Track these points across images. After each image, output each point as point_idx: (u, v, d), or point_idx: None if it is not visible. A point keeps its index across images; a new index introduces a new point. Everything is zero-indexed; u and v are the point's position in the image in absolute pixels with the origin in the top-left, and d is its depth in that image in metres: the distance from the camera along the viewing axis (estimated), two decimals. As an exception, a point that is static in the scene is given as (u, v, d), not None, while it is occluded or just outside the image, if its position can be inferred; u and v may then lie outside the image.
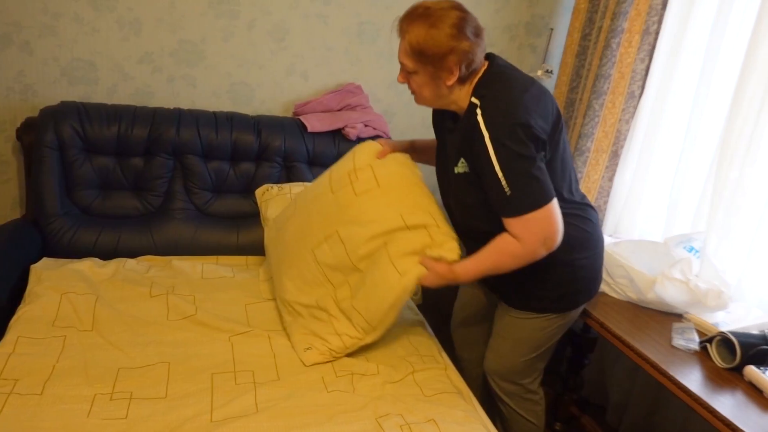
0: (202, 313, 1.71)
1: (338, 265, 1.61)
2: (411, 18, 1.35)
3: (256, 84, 2.40)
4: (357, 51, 2.48)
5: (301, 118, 2.34)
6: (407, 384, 1.55)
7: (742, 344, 1.46)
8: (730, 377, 1.45)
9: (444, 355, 1.74)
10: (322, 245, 1.63)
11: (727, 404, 1.34)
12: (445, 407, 1.47)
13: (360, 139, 2.36)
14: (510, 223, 1.35)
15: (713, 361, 1.50)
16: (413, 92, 1.45)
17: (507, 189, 1.31)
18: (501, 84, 1.38)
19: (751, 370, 1.42)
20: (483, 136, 1.31)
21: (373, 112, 2.47)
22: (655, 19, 2.16)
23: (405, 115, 2.64)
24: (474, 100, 1.37)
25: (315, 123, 2.32)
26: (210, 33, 2.27)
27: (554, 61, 2.72)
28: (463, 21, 1.34)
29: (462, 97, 1.41)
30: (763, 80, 1.74)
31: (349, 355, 1.63)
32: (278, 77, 2.42)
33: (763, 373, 1.41)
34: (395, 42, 2.45)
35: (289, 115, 2.45)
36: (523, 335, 1.61)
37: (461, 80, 1.38)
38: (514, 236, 1.36)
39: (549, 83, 2.75)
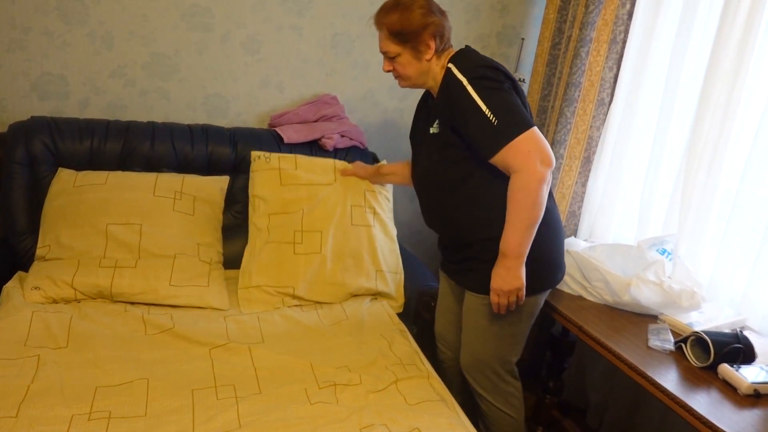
0: (180, 327, 1.68)
1: None
2: (384, 11, 1.58)
3: (231, 96, 2.39)
4: (332, 62, 2.49)
5: (278, 129, 2.34)
6: (390, 393, 1.55)
7: (715, 343, 1.50)
8: (705, 376, 1.49)
9: (426, 362, 1.75)
10: None
11: (702, 402, 1.37)
12: (429, 416, 1.48)
13: (337, 150, 2.37)
14: (503, 155, 1.43)
15: (689, 361, 1.54)
16: (398, 76, 1.62)
17: (493, 119, 1.41)
18: (470, 53, 1.59)
19: (725, 368, 1.46)
20: (460, 83, 1.47)
21: (349, 122, 2.48)
22: (622, 28, 2.22)
23: (379, 125, 2.66)
24: (451, 65, 1.53)
25: (291, 134, 2.32)
26: (183, 46, 2.26)
27: (526, 70, 2.77)
28: (429, 2, 1.57)
29: (438, 71, 1.58)
30: (727, 86, 1.80)
31: (332, 365, 1.63)
32: (253, 89, 2.41)
33: (737, 370, 1.44)
34: (370, 52, 2.51)
35: (265, 126, 2.44)
36: (484, 322, 1.63)
37: (437, 52, 1.57)
38: (511, 169, 1.43)
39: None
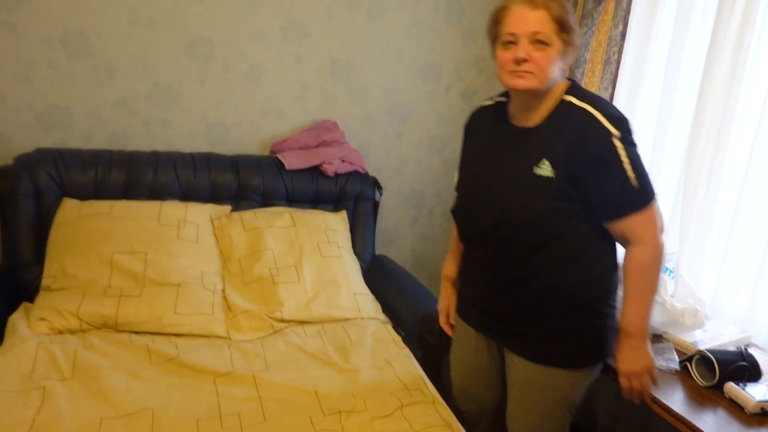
0: (185, 356, 1.69)
1: None
2: None
3: (232, 124, 2.42)
4: (331, 88, 2.52)
5: (279, 155, 2.36)
6: (396, 419, 1.54)
7: (720, 362, 1.49)
8: (711, 395, 1.48)
9: (431, 387, 1.74)
10: None
11: (710, 422, 1.36)
12: (436, 440, 1.47)
13: (338, 175, 2.40)
14: (631, 221, 1.30)
15: (694, 380, 1.53)
16: (529, 71, 1.28)
17: (634, 181, 1.28)
18: (595, 95, 1.38)
19: (731, 387, 1.46)
20: (609, 134, 1.27)
21: (350, 147, 2.51)
22: (615, 49, 2.25)
23: (380, 149, 2.68)
24: (575, 100, 1.33)
25: (292, 160, 2.35)
26: (185, 76, 2.30)
27: (523, 92, 2.80)
28: None
29: (556, 91, 1.36)
30: (721, 101, 1.83)
31: (337, 392, 1.63)
32: (255, 116, 2.44)
33: (743, 389, 1.44)
34: (368, 78, 2.55)
35: (267, 153, 2.47)
36: (555, 395, 1.47)
37: (561, 69, 1.37)
38: (636, 238, 1.31)
39: (519, 113, 2.82)
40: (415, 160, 2.76)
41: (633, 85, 2.23)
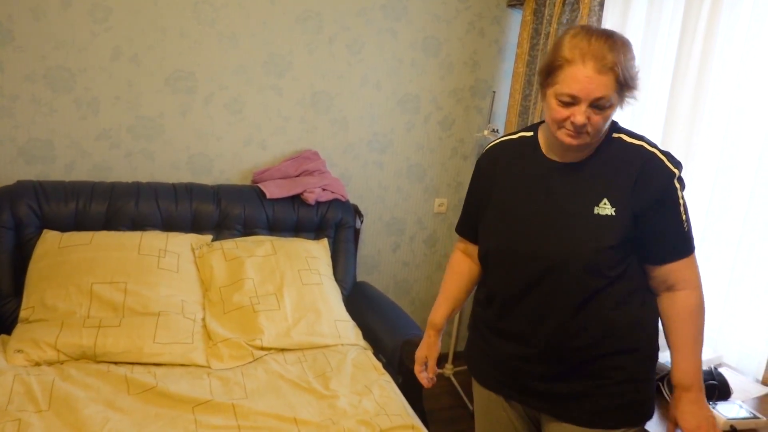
0: (163, 385, 1.68)
1: None
2: (608, 39, 1.16)
3: (215, 155, 2.46)
4: (312, 119, 2.58)
5: (260, 185, 2.40)
6: (375, 445, 1.55)
7: (691, 380, 1.52)
8: (683, 414, 1.50)
9: (411, 412, 1.75)
10: None
11: (681, 440, 1.38)
12: (413, 465, 1.48)
13: (319, 203, 2.43)
14: (680, 265, 1.24)
15: (666, 399, 1.56)
16: (585, 132, 1.18)
17: (686, 224, 1.24)
18: (636, 132, 1.30)
19: (702, 405, 1.48)
20: (671, 174, 1.22)
21: (331, 176, 2.55)
22: (586, 80, 2.34)
23: (361, 177, 2.73)
24: (626, 137, 1.26)
25: (274, 189, 2.38)
26: (167, 108, 2.34)
27: (500, 121, 2.88)
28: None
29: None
30: (687, 125, 1.91)
31: (316, 418, 1.63)
32: (236, 147, 2.49)
33: (713, 407, 1.47)
34: (348, 109, 2.61)
35: (248, 183, 2.51)
36: None
37: None
38: (684, 284, 1.24)
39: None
40: (395, 188, 2.81)
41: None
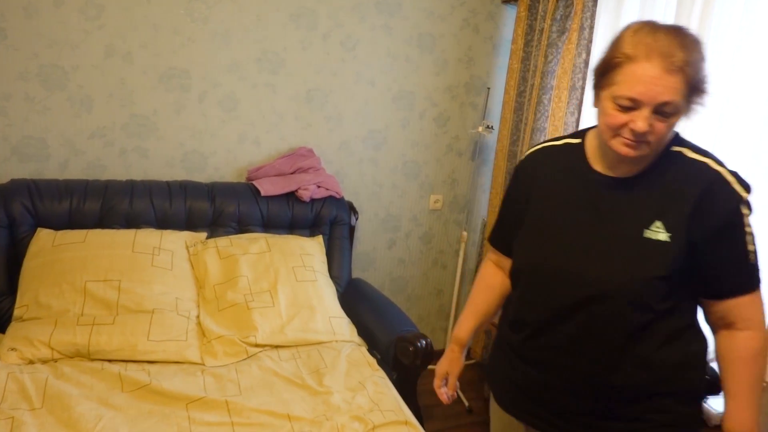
0: (157, 383, 1.68)
1: None
2: (678, 35, 1.01)
3: (209, 152, 2.46)
4: (307, 116, 2.58)
5: (255, 182, 2.40)
6: (368, 440, 1.56)
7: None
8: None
9: (405, 408, 1.75)
10: None
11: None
12: (406, 461, 1.48)
13: (313, 200, 2.43)
14: (744, 302, 1.10)
15: None
16: (645, 141, 1.03)
17: (752, 256, 1.09)
18: (701, 146, 1.14)
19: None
20: (739, 198, 1.06)
21: (326, 173, 2.55)
22: (580, 76, 2.34)
23: (356, 174, 2.73)
24: (689, 152, 1.10)
25: (268, 187, 2.38)
26: (161, 106, 2.34)
27: (495, 117, 2.88)
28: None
29: None
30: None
31: (310, 414, 1.63)
32: (231, 145, 2.49)
33: (705, 402, 1.47)
34: (343, 105, 2.61)
35: (243, 180, 2.51)
36: None
37: None
38: (748, 323, 1.10)
39: (491, 138, 2.90)
40: (390, 184, 2.81)
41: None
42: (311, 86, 2.55)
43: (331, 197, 2.50)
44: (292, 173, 2.50)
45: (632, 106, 1.00)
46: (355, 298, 2.34)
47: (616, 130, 1.04)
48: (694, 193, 1.06)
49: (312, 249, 2.30)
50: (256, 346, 1.94)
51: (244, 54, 2.41)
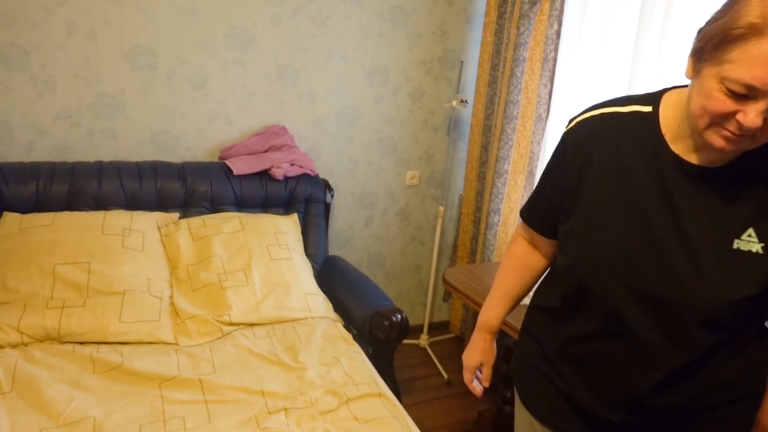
0: (129, 363, 1.67)
1: None
2: None
3: (179, 132, 2.42)
4: (279, 93, 2.54)
5: (227, 161, 2.37)
6: (341, 413, 1.56)
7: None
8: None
9: (380, 381, 1.77)
10: None
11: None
12: (381, 431, 1.49)
13: (287, 178, 2.41)
14: None
15: None
16: (750, 137, 0.81)
17: None
18: None
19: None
20: None
21: (299, 151, 2.53)
22: (552, 47, 2.33)
23: (331, 151, 2.71)
24: None
25: (241, 165, 2.36)
26: (128, 85, 2.29)
27: (469, 91, 2.87)
28: None
29: None
30: (651, 78, 1.91)
31: (284, 390, 1.64)
32: (201, 124, 2.45)
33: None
34: (315, 83, 2.58)
35: (215, 160, 2.47)
36: None
37: None
38: None
39: (466, 112, 2.89)
40: (366, 161, 2.79)
41: (569, 82, 2.31)
42: (282, 63, 2.52)
43: (305, 175, 2.48)
44: (265, 152, 2.47)
45: (747, 94, 0.77)
46: (332, 276, 2.33)
47: (717, 119, 0.80)
48: None
49: (286, 227, 2.29)
50: (231, 324, 1.94)
51: (211, 30, 2.36)
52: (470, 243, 2.85)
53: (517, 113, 2.45)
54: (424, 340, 2.96)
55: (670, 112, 0.92)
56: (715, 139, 0.82)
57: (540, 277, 1.22)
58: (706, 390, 0.98)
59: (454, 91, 2.85)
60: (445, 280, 2.12)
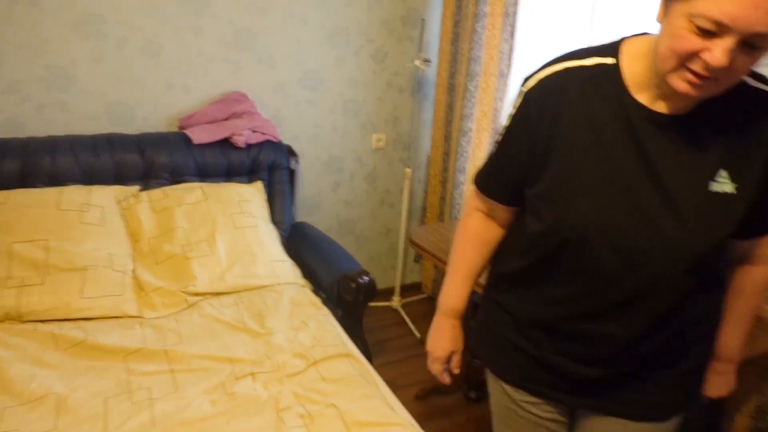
0: (93, 338, 1.66)
1: None
2: None
3: (135, 102, 2.35)
4: (237, 59, 2.48)
5: (186, 131, 2.32)
6: (309, 374, 1.58)
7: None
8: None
9: (349, 342, 1.78)
10: None
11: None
12: (347, 390, 1.51)
13: (250, 145, 2.37)
14: None
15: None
16: (716, 79, 0.80)
17: None
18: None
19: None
20: None
21: (261, 117, 2.48)
22: (513, 1, 2.29)
23: (294, 117, 2.66)
24: (752, 81, 0.90)
25: (200, 134, 2.31)
26: (78, 55, 2.21)
27: (433, 50, 2.83)
28: None
29: None
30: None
31: (251, 356, 1.65)
32: (158, 93, 2.38)
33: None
34: (274, 47, 2.51)
35: (174, 130, 2.42)
36: None
37: None
38: (762, 258, 1.04)
39: (431, 72, 2.86)
40: (330, 125, 2.76)
41: (530, 37, 2.29)
42: (239, 27, 2.44)
43: (268, 142, 2.44)
44: (225, 119, 2.42)
45: (714, 31, 0.75)
46: (300, 242, 2.32)
47: (683, 59, 0.79)
48: (764, 130, 0.88)
49: (250, 195, 2.26)
50: (196, 295, 1.92)
51: (161, -6, 2.27)
52: (439, 204, 2.86)
53: (480, 70, 2.43)
54: (396, 302, 2.99)
55: (632, 62, 0.91)
56: (680, 84, 0.81)
57: (496, 247, 1.17)
58: (682, 331, 1.01)
59: (416, 50, 2.80)
60: (412, 242, 2.12)
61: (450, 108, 2.69)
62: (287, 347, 1.70)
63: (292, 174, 2.50)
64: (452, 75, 2.66)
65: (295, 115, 2.67)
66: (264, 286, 2.02)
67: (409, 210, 3.02)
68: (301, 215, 2.75)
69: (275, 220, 2.35)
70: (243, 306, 1.91)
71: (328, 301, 2.06)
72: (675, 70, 0.81)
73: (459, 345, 1.23)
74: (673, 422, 1.09)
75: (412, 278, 3.22)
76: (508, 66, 2.37)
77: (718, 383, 1.13)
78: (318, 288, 2.13)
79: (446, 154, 2.77)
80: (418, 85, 2.85)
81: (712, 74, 0.78)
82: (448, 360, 1.24)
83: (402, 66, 2.83)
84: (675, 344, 1.02)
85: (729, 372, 1.14)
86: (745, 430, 1.65)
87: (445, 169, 2.78)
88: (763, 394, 1.60)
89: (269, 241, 2.16)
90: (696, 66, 0.78)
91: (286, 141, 2.62)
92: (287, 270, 2.10)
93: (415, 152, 2.99)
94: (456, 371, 1.25)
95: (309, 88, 2.66)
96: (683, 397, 1.08)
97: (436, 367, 1.25)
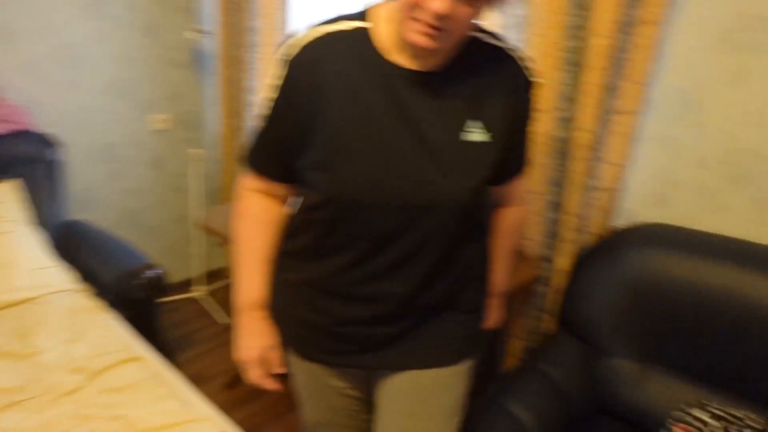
0: None
1: None
2: None
3: None
4: (-37, 35, 2.06)
5: None
6: (89, 389, 1.41)
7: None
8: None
9: (137, 345, 1.63)
10: None
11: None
12: (135, 397, 1.38)
13: (-5, 138, 2.01)
14: (520, 181, 1.13)
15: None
16: (445, 29, 0.85)
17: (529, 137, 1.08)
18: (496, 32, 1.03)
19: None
20: (533, 83, 1.01)
21: (9, 103, 2.12)
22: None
23: (53, 101, 2.32)
24: (491, 39, 0.98)
25: None
26: None
27: (213, 22, 2.66)
28: None
29: None
30: None
31: (14, 383, 1.42)
32: None
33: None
34: (12, 18, 2.13)
35: None
36: (457, 395, 1.14)
37: None
38: (519, 198, 1.17)
39: (211, 44, 2.70)
40: (97, 108, 2.46)
41: (305, 5, 2.26)
42: (-41, -5, 2.03)
43: (22, 132, 2.09)
44: (-43, 108, 2.02)
45: None
46: (74, 242, 2.06)
47: (411, 13, 0.85)
48: (506, 85, 0.97)
49: (2, 196, 1.93)
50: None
51: None
52: (233, 184, 2.75)
53: (259, 41, 2.35)
54: (199, 292, 2.84)
55: (384, 25, 0.94)
56: (416, 37, 0.86)
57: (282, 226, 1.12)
58: (458, 278, 1.07)
59: (189, 21, 2.61)
60: (206, 227, 2.01)
61: (235, 82, 2.58)
62: (61, 363, 1.50)
63: (56, 167, 2.19)
64: (235, 47, 2.54)
65: (55, 99, 2.33)
66: (28, 299, 1.75)
67: (203, 194, 2.85)
68: (76, 212, 2.43)
69: (41, 221, 2.05)
70: (4, 327, 1.63)
71: (113, 304, 1.86)
72: (406, 20, 0.86)
73: (271, 338, 1.13)
74: (467, 364, 1.13)
75: (219, 263, 3.07)
76: (284, 35, 2.32)
77: (494, 316, 1.26)
78: (101, 291, 1.92)
79: (236, 132, 2.66)
80: (197, 59, 2.67)
81: (441, 24, 0.84)
82: (266, 361, 1.13)
83: (177, 39, 2.62)
84: (454, 291, 1.08)
85: (501, 305, 1.28)
86: (519, 350, 1.88)
87: (237, 147, 2.67)
88: (527, 316, 1.82)
89: (31, 246, 1.87)
90: (424, 15, 0.83)
91: (46, 129, 2.28)
92: (55, 277, 1.85)
93: (205, 131, 2.82)
94: (281, 370, 1.15)
95: (68, 66, 2.33)
96: (471, 338, 1.14)
97: (254, 374, 1.13)
